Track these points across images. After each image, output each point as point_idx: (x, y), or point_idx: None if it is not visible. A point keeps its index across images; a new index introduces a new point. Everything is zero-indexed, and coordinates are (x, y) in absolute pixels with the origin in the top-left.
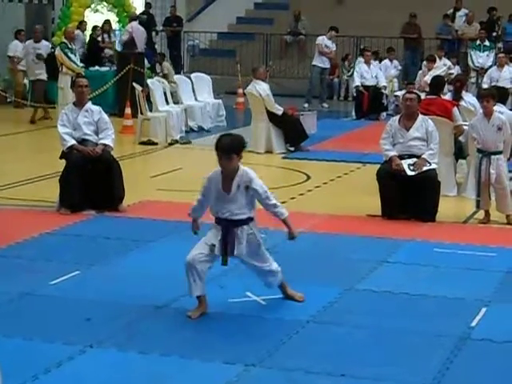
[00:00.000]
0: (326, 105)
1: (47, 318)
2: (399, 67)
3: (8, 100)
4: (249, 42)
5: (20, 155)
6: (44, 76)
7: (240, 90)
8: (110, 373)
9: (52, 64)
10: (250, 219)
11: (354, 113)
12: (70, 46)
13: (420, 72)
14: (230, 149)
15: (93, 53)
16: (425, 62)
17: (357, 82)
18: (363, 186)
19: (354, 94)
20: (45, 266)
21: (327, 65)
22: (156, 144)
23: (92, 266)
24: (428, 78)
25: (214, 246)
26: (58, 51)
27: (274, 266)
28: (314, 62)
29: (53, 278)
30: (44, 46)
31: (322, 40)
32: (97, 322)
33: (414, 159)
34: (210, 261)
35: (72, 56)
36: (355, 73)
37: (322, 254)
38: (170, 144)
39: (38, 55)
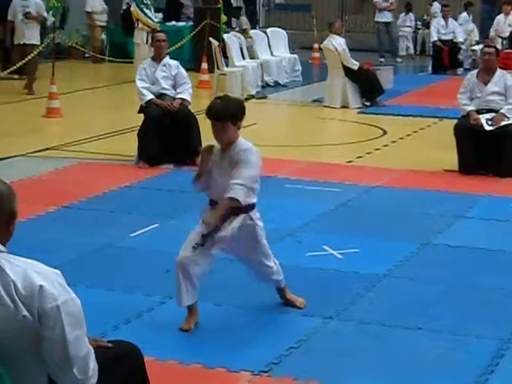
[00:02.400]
0: (399, 59)
1: (128, 270)
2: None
3: (86, 55)
4: None
5: (99, 110)
6: (36, 40)
7: (316, 45)
8: None
9: (128, 20)
10: (250, 207)
11: (430, 67)
12: (145, 2)
13: (500, 16)
14: (223, 115)
15: (173, 8)
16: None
17: (434, 36)
18: (440, 141)
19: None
20: (124, 218)
21: (390, 18)
22: None
23: (170, 219)
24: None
25: (203, 235)
26: (133, 7)
27: (276, 264)
28: (375, 19)
29: (133, 231)
30: (33, 4)
31: None
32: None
33: (493, 114)
34: (204, 260)
35: (147, 11)
36: (432, 27)
37: (399, 209)
38: (246, 99)
39: (27, 14)
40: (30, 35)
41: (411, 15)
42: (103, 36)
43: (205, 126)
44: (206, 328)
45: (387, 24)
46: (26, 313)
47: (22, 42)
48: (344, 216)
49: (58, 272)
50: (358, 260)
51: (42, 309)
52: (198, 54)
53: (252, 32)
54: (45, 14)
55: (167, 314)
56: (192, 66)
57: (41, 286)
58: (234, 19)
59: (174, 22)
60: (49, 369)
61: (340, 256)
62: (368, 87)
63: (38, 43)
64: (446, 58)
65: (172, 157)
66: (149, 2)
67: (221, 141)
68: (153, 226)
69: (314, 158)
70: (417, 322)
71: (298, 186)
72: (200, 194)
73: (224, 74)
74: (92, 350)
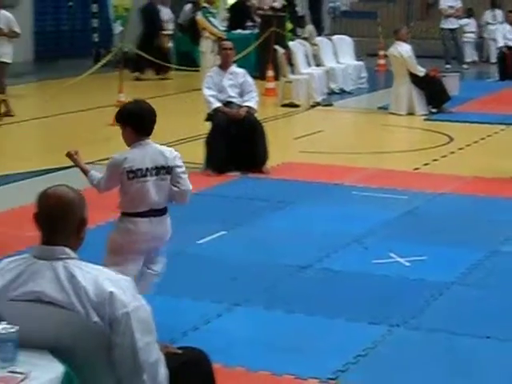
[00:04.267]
0: (465, 66)
1: (195, 277)
2: None
3: None
4: (390, 3)
5: (166, 118)
6: (7, 58)
7: (381, 52)
8: (257, 330)
9: (193, 29)
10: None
11: (497, 74)
12: (211, 11)
13: None
14: None
15: (240, 16)
16: None
17: (500, 42)
18: (507, 149)
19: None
20: (192, 225)
21: (456, 24)
22: (298, 106)
23: (238, 226)
24: None
25: None
26: (199, 16)
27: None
28: (441, 25)
29: (200, 238)
30: (3, 19)
31: (444, 3)
32: (243, 281)
33: None
34: None
35: (213, 20)
36: (498, 33)
37: (466, 216)
38: (312, 106)
39: None
40: (1, 52)
41: (473, 21)
42: (170, 44)
43: (270, 133)
44: (273, 335)
45: (453, 30)
46: (96, 319)
47: None
48: (410, 223)
49: (129, 279)
50: (425, 267)
51: (113, 315)
52: (264, 62)
53: (318, 39)
54: (17, 28)
55: (235, 321)
56: (257, 74)
57: (111, 293)
58: (298, 28)
59: (239, 30)
60: (118, 374)
61: (407, 263)
62: (434, 94)
63: (10, 61)
64: (510, 64)
65: (239, 164)
66: (214, 11)
67: None
68: (220, 234)
69: (381, 165)
70: (485, 330)
71: (365, 192)
72: (267, 202)
73: (290, 82)
74: (162, 357)
